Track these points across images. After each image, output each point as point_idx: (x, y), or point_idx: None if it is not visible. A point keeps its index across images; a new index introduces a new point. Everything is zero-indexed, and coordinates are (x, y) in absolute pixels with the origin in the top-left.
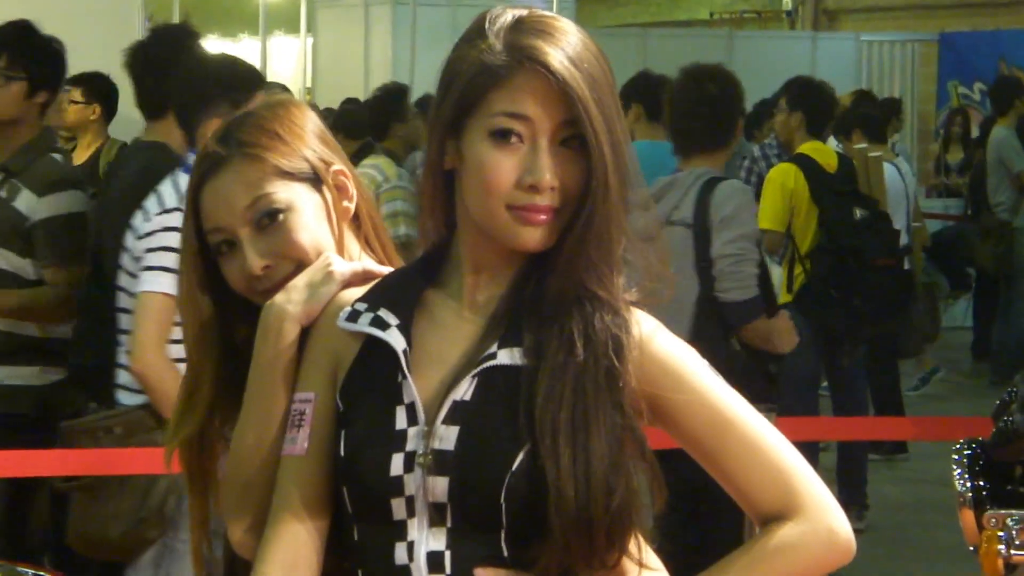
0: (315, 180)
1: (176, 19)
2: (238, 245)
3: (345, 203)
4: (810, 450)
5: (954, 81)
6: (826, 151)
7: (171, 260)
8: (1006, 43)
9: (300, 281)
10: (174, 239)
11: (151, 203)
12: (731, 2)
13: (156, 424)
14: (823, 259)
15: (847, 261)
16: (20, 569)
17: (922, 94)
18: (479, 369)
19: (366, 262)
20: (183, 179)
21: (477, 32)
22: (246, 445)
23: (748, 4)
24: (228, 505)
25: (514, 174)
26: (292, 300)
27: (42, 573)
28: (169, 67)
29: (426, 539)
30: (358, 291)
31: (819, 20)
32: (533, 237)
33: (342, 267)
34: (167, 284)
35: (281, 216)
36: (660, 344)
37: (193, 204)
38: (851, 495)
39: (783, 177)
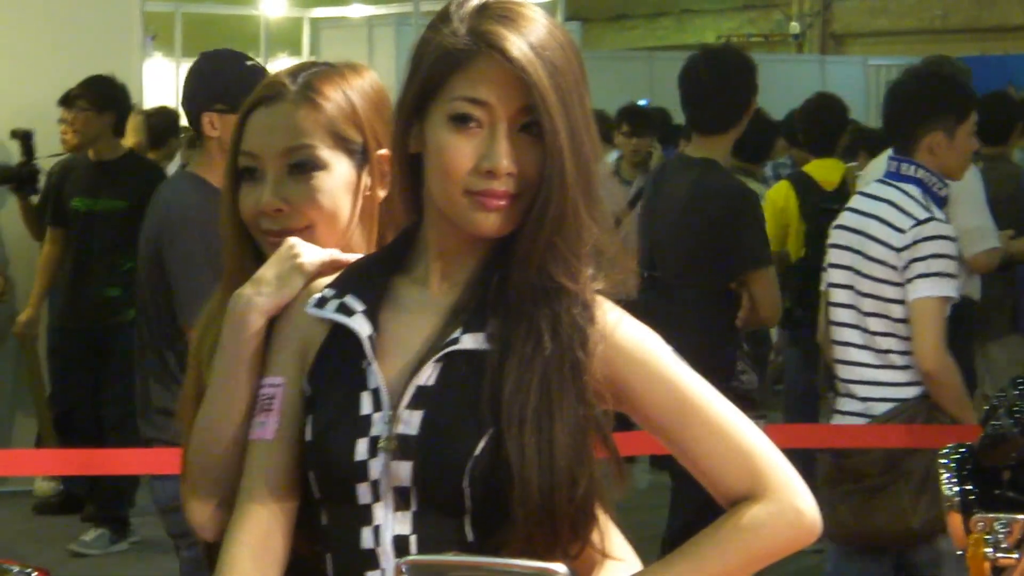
0: (360, 155)
1: (177, 39)
2: (263, 178)
3: (380, 192)
4: (805, 458)
5: None
6: (830, 169)
7: (943, 266)
8: (1014, 68)
9: (268, 273)
10: (940, 246)
11: (897, 217)
12: (738, 26)
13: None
14: (795, 277)
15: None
16: (5, 566)
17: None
18: (442, 354)
19: (334, 252)
20: (914, 191)
21: (443, 17)
22: (207, 429)
23: (755, 28)
24: (188, 488)
25: (472, 159)
26: (260, 292)
27: (29, 569)
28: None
29: (392, 523)
30: (329, 278)
31: (826, 44)
32: (490, 222)
33: (310, 258)
34: (943, 288)
35: (315, 173)
36: (624, 332)
37: (241, 124)
38: None
39: (775, 196)
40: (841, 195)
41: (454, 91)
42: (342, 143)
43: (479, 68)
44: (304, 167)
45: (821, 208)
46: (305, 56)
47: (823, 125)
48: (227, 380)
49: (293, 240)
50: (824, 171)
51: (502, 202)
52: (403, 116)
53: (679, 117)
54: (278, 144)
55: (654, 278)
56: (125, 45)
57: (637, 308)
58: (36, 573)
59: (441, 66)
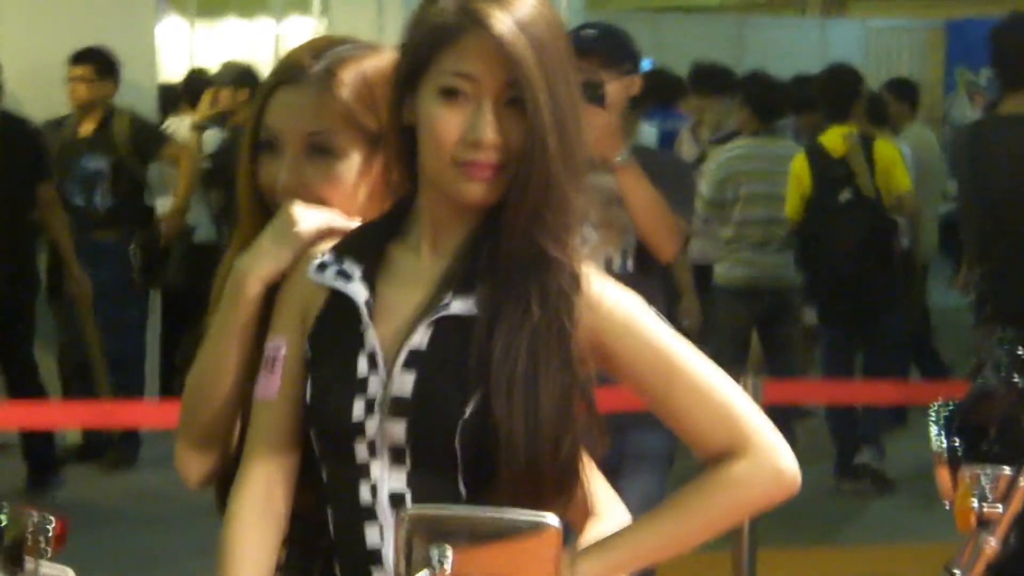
0: (375, 142)
1: (193, 2)
2: (282, 154)
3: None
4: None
5: (961, 67)
6: (839, 136)
7: None
8: None
9: (266, 241)
10: None
11: None
12: None
13: None
14: (797, 241)
15: (808, 246)
16: (26, 513)
17: (929, 80)
18: (433, 318)
19: (332, 217)
20: None
21: None
22: (197, 387)
23: None
24: (179, 438)
25: (459, 131)
26: (258, 260)
27: (47, 514)
28: None
29: (388, 479)
30: (330, 242)
31: (829, 6)
32: (476, 191)
33: (307, 225)
34: None
35: (332, 159)
36: (609, 299)
37: (264, 98)
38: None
39: (795, 166)
40: (844, 161)
41: (443, 65)
42: (359, 129)
43: (467, 43)
44: (322, 152)
45: (831, 175)
46: (316, 15)
47: (838, 93)
48: (220, 341)
49: (292, 207)
50: (835, 140)
51: (488, 172)
52: (397, 89)
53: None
54: (299, 127)
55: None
56: (139, 4)
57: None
58: (55, 520)
59: (431, 41)
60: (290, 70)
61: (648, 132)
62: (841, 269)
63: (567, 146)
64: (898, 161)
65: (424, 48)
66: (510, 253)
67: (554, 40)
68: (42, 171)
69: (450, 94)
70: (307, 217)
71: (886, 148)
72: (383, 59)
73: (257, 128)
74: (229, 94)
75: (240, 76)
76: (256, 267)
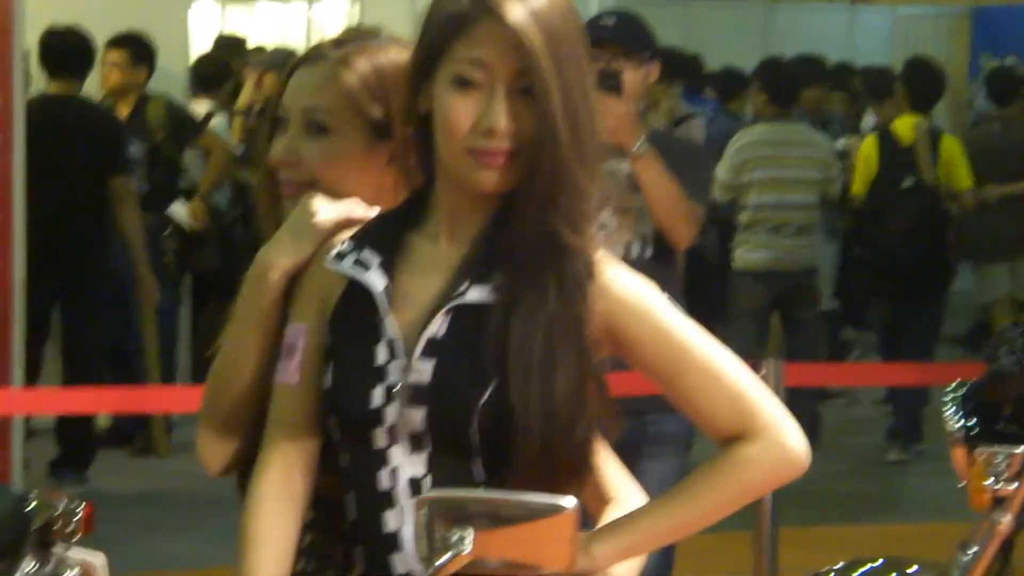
0: (382, 129)
1: None
2: (287, 129)
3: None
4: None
5: (986, 54)
6: (911, 126)
7: None
8: None
9: (286, 232)
10: None
11: None
12: None
13: None
14: (856, 220)
15: (867, 224)
16: (52, 499)
17: (955, 67)
18: (450, 306)
19: (352, 208)
20: None
21: None
22: (220, 374)
23: None
24: (201, 425)
25: (472, 118)
26: (278, 251)
27: (76, 504)
28: None
29: (407, 465)
30: (349, 231)
31: None
32: (490, 179)
33: (325, 216)
34: None
35: (324, 135)
36: (623, 285)
37: (286, 79)
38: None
39: (865, 147)
40: (911, 149)
41: (457, 54)
42: (360, 114)
43: (480, 32)
44: (319, 130)
45: (900, 161)
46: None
47: (922, 85)
48: (241, 331)
49: (311, 198)
50: (906, 128)
51: (501, 159)
52: (413, 78)
53: (712, 64)
54: (301, 102)
55: None
56: None
57: None
58: (83, 507)
59: (446, 30)
60: (312, 52)
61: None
62: (895, 249)
63: (579, 134)
64: (960, 157)
65: (439, 37)
66: (525, 240)
67: (567, 29)
68: (118, 164)
69: (463, 82)
70: (326, 209)
71: (951, 143)
72: (405, 53)
73: (276, 108)
74: (273, 78)
75: (285, 60)
76: (276, 258)
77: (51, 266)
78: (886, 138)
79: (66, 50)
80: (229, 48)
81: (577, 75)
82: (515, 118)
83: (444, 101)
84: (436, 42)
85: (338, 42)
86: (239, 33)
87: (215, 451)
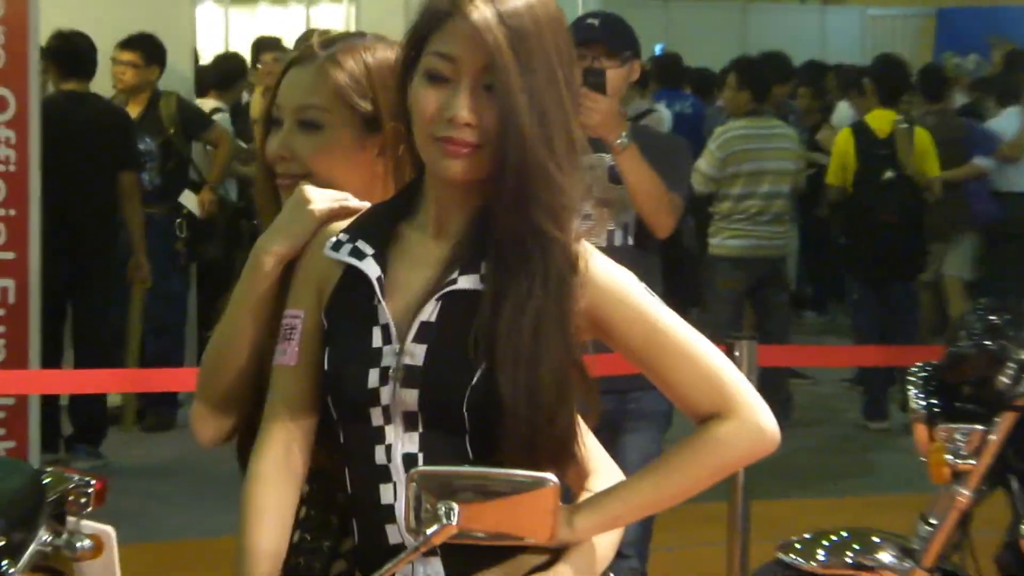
0: (372, 123)
1: None
2: (281, 127)
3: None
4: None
5: (948, 53)
6: (884, 119)
7: None
8: (1001, 20)
9: (282, 221)
10: None
11: None
12: None
13: None
14: (840, 210)
15: (854, 215)
16: (66, 475)
17: (921, 64)
18: (441, 293)
19: (345, 198)
20: None
21: None
22: (215, 353)
23: None
24: (196, 398)
25: (437, 107)
26: (274, 239)
27: (89, 478)
28: None
29: (402, 442)
30: (345, 222)
31: None
32: (455, 168)
33: (320, 205)
34: None
35: (316, 131)
36: (604, 274)
37: (280, 78)
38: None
39: (840, 140)
40: (889, 142)
41: (430, 48)
42: (350, 109)
43: (452, 28)
44: (311, 126)
45: (876, 154)
46: (346, 1)
47: (889, 80)
48: (238, 313)
49: (306, 188)
50: (879, 121)
51: (464, 150)
52: (400, 73)
53: (689, 61)
54: (294, 100)
55: None
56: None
57: None
58: (95, 482)
59: (426, 26)
60: (303, 52)
61: (665, 114)
62: (881, 240)
63: (548, 130)
64: (931, 148)
65: (418, 32)
66: (507, 232)
67: (539, 31)
68: (127, 159)
69: (433, 76)
70: (319, 197)
71: (923, 134)
72: (391, 51)
73: (271, 107)
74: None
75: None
76: (272, 244)
77: (64, 256)
78: (861, 131)
79: (77, 52)
80: (264, 49)
81: (547, 73)
82: (479, 112)
83: (416, 92)
84: (416, 38)
85: (327, 43)
86: (274, 35)
87: (207, 424)
